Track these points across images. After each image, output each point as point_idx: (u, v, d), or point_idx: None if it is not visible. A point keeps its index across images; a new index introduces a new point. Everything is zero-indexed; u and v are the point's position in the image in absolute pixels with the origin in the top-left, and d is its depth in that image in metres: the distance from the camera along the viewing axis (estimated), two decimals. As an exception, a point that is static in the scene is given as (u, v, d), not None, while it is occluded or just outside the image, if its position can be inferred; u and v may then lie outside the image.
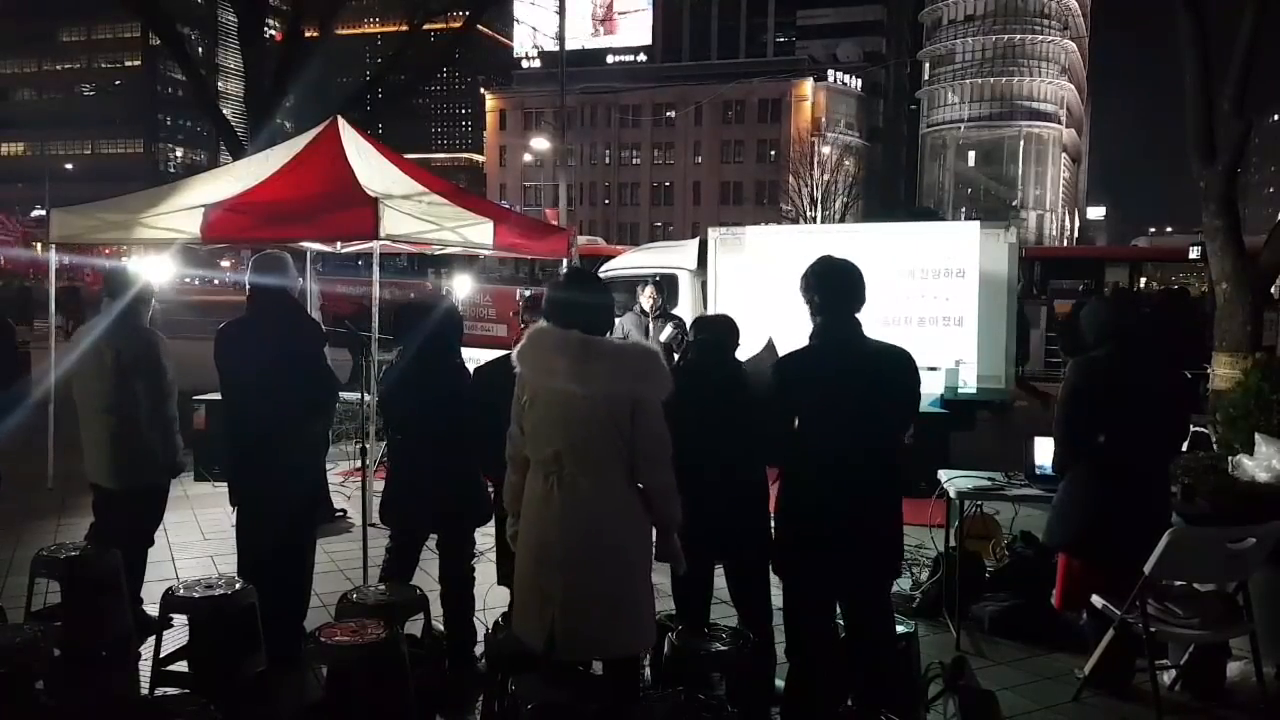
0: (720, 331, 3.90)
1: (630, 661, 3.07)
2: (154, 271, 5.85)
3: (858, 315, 3.37)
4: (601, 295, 3.03)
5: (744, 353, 3.84)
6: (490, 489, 4.28)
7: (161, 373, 4.51)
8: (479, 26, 22.33)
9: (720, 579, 3.93)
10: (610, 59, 77.11)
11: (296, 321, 4.35)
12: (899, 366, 3.36)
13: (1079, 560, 4.32)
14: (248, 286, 4.30)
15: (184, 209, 6.87)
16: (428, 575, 4.53)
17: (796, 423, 3.40)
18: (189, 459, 7.99)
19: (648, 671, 3.45)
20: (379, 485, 4.55)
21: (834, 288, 3.37)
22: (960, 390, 8.25)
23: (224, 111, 15.56)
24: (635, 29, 77.94)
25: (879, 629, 3.48)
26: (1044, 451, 4.83)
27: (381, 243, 6.43)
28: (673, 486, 2.91)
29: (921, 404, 8.82)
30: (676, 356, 7.15)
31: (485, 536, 4.48)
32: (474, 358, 4.40)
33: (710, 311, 9.05)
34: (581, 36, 72.09)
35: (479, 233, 7.05)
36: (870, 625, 3.45)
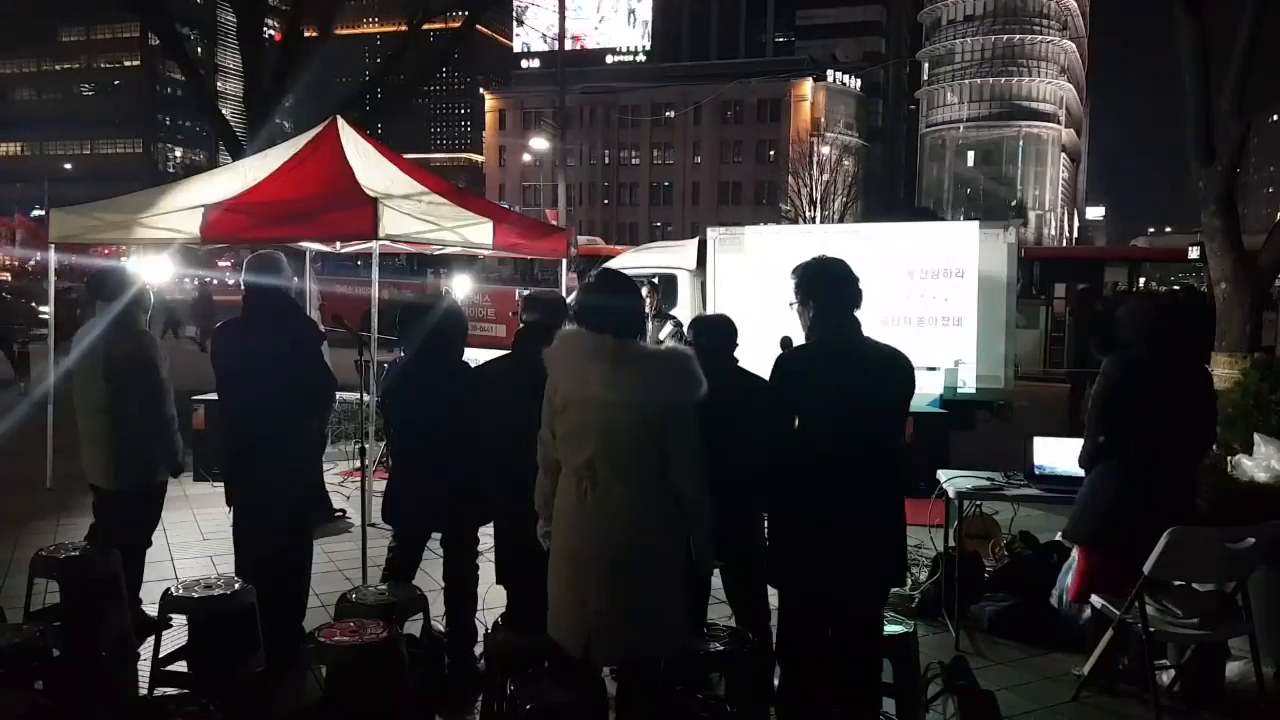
0: (718, 333, 3.91)
1: (649, 663, 3.05)
2: (153, 271, 5.86)
3: (856, 315, 3.29)
4: (633, 298, 2.99)
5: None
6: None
7: (154, 373, 4.48)
8: (478, 26, 22.33)
9: (718, 579, 3.94)
10: (609, 59, 77.13)
11: (292, 321, 4.34)
12: (896, 368, 3.28)
13: (1100, 555, 4.31)
14: (243, 286, 4.30)
15: (183, 209, 6.87)
16: (428, 575, 4.53)
17: (796, 423, 3.33)
18: (189, 458, 8.02)
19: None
20: (379, 485, 4.56)
21: (831, 288, 3.29)
22: (959, 390, 8.26)
23: (223, 111, 15.57)
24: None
25: (867, 647, 3.33)
26: (1043, 452, 4.83)
27: (381, 243, 6.43)
28: (705, 491, 2.88)
29: (921, 404, 8.85)
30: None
31: (486, 536, 4.48)
32: (475, 358, 4.40)
33: (709, 311, 9.06)
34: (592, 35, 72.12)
35: (478, 233, 7.06)
36: (858, 644, 3.31)
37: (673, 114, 69.39)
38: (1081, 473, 4.29)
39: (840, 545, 3.17)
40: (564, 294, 9.14)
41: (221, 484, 4.37)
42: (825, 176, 54.26)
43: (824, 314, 3.28)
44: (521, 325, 4.10)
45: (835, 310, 3.27)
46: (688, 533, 2.94)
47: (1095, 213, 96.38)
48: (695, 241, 10.87)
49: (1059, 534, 4.77)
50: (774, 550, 3.41)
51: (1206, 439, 4.30)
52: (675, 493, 2.85)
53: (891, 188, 78.53)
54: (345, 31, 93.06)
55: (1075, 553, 4.57)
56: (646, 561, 2.84)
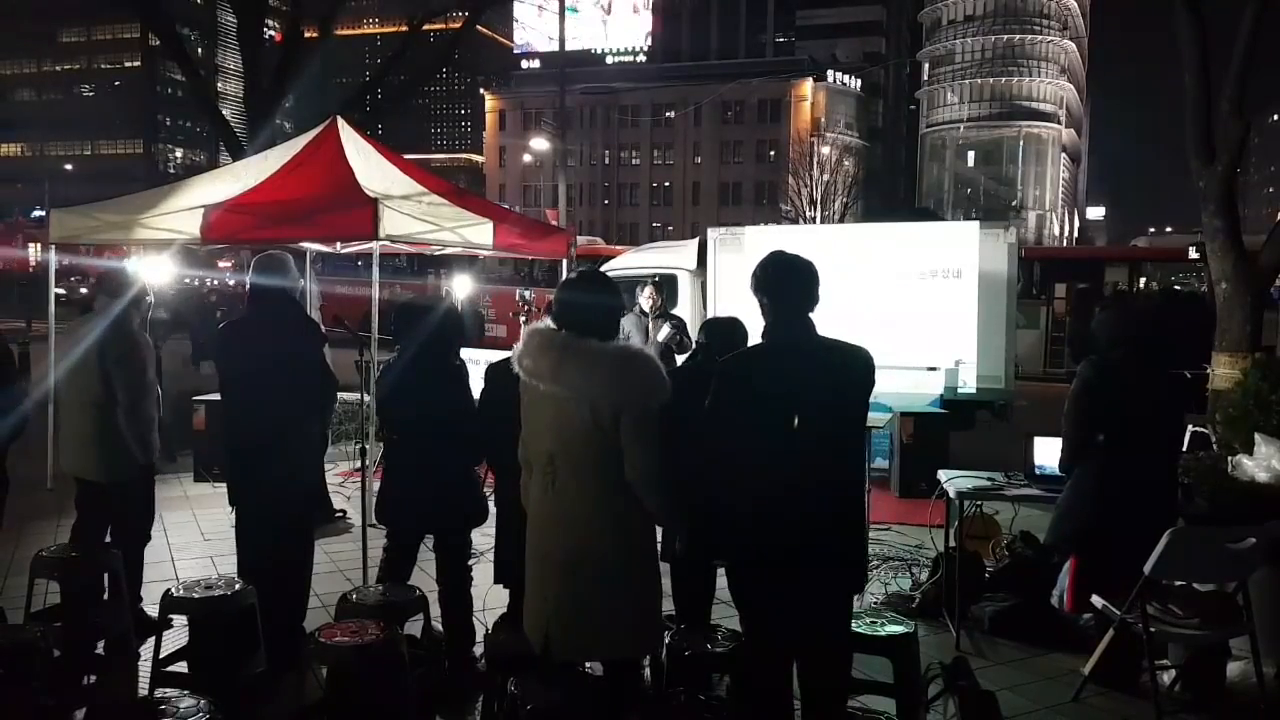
0: (729, 334, 3.91)
1: (627, 665, 3.04)
2: (153, 272, 5.87)
3: (810, 315, 3.00)
4: (599, 295, 2.96)
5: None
6: (490, 488, 4.28)
7: (140, 371, 4.51)
8: (478, 27, 22.36)
9: (721, 579, 3.94)
10: (610, 59, 77.16)
11: (296, 321, 4.35)
12: (853, 365, 2.96)
13: (1083, 558, 4.34)
14: (248, 286, 4.30)
15: (184, 209, 6.87)
16: (427, 576, 4.53)
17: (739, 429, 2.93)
18: (189, 459, 8.02)
19: (647, 672, 3.45)
20: (379, 485, 4.55)
21: (786, 287, 3.02)
22: (960, 390, 8.25)
23: (223, 112, 15.59)
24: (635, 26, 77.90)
25: (833, 666, 3.03)
26: (1043, 452, 4.83)
27: (381, 243, 6.43)
28: (662, 493, 2.81)
29: (921, 404, 8.82)
30: (680, 358, 7.15)
31: (485, 537, 4.48)
32: (475, 358, 4.41)
33: (709, 312, 9.07)
34: (584, 37, 72.27)
35: (478, 233, 7.06)
36: (822, 663, 3.00)
37: (673, 114, 69.43)
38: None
39: (791, 560, 2.88)
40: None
41: (221, 484, 4.37)
42: (825, 177, 54.24)
43: (775, 314, 3.02)
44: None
45: (787, 310, 3.00)
46: (659, 532, 2.90)
47: (1095, 213, 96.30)
48: (695, 242, 10.88)
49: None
50: (729, 570, 3.09)
51: (1178, 439, 4.38)
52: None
53: (892, 188, 78.49)
54: (345, 32, 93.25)
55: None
56: (602, 561, 2.82)
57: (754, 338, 3.51)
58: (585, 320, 2.88)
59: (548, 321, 2.96)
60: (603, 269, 11.40)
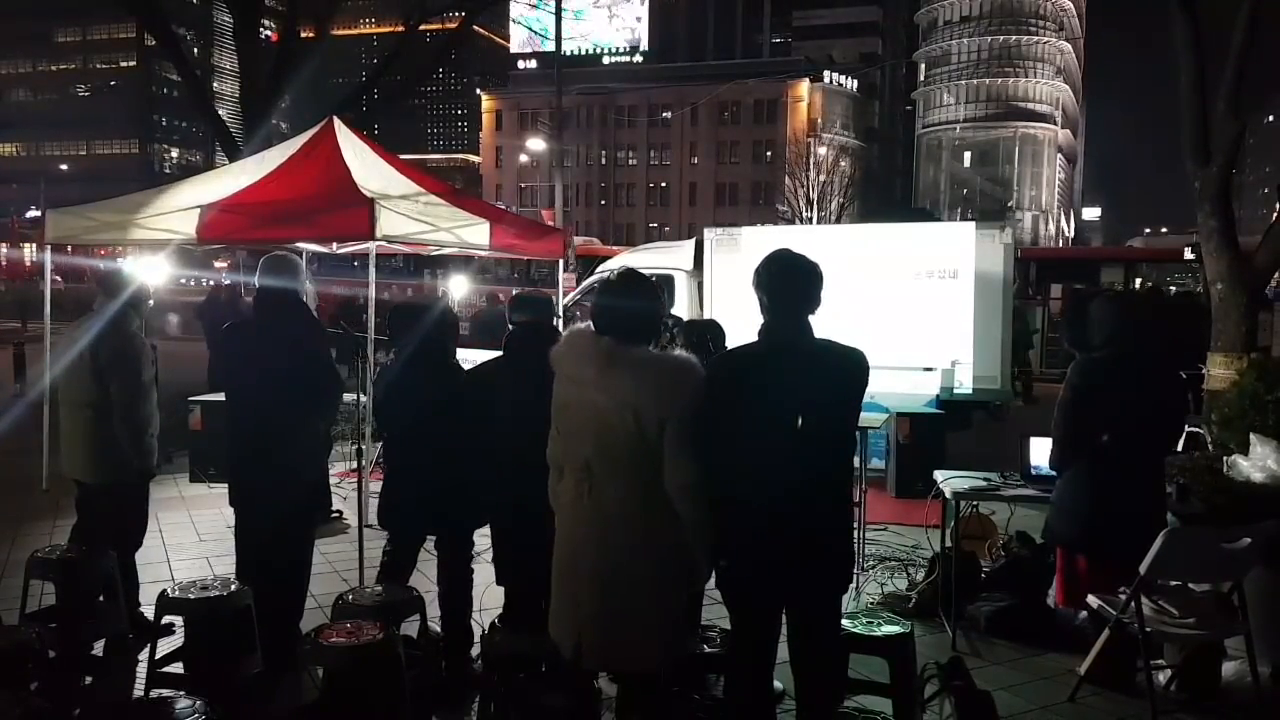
0: (704, 336, 3.92)
1: (650, 677, 2.96)
2: (150, 272, 5.86)
3: (809, 318, 2.95)
4: (644, 301, 2.91)
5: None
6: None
7: (135, 374, 4.48)
8: (475, 27, 22.39)
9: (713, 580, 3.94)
10: (607, 60, 77.16)
11: (302, 323, 4.34)
12: (846, 368, 2.92)
13: (1080, 556, 4.35)
14: (255, 287, 4.29)
15: (180, 209, 6.86)
16: (425, 577, 4.53)
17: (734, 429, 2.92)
18: (184, 459, 8.00)
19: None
20: (375, 486, 4.55)
21: (786, 286, 2.95)
22: (956, 391, 8.26)
23: (219, 112, 15.57)
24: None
25: (822, 657, 3.06)
26: (1040, 452, 4.83)
27: (377, 243, 6.43)
28: (698, 505, 2.75)
29: (918, 404, 8.81)
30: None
31: (482, 538, 4.47)
32: (470, 358, 4.40)
33: (707, 313, 9.08)
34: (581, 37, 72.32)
35: (475, 233, 7.05)
36: (812, 655, 3.01)
37: (670, 115, 69.45)
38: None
39: (780, 552, 2.89)
40: (561, 295, 9.16)
41: (217, 485, 4.37)
42: (822, 177, 54.29)
43: (773, 314, 2.97)
44: (511, 326, 4.09)
45: (785, 311, 2.95)
46: (690, 542, 2.82)
47: (1091, 213, 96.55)
48: (692, 242, 10.87)
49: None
50: (719, 569, 3.04)
51: (1173, 438, 4.40)
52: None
53: (888, 188, 78.51)
54: (342, 32, 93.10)
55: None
56: (639, 568, 2.78)
57: (748, 339, 3.51)
58: (628, 326, 2.82)
59: (590, 324, 2.91)
60: (599, 270, 11.41)
